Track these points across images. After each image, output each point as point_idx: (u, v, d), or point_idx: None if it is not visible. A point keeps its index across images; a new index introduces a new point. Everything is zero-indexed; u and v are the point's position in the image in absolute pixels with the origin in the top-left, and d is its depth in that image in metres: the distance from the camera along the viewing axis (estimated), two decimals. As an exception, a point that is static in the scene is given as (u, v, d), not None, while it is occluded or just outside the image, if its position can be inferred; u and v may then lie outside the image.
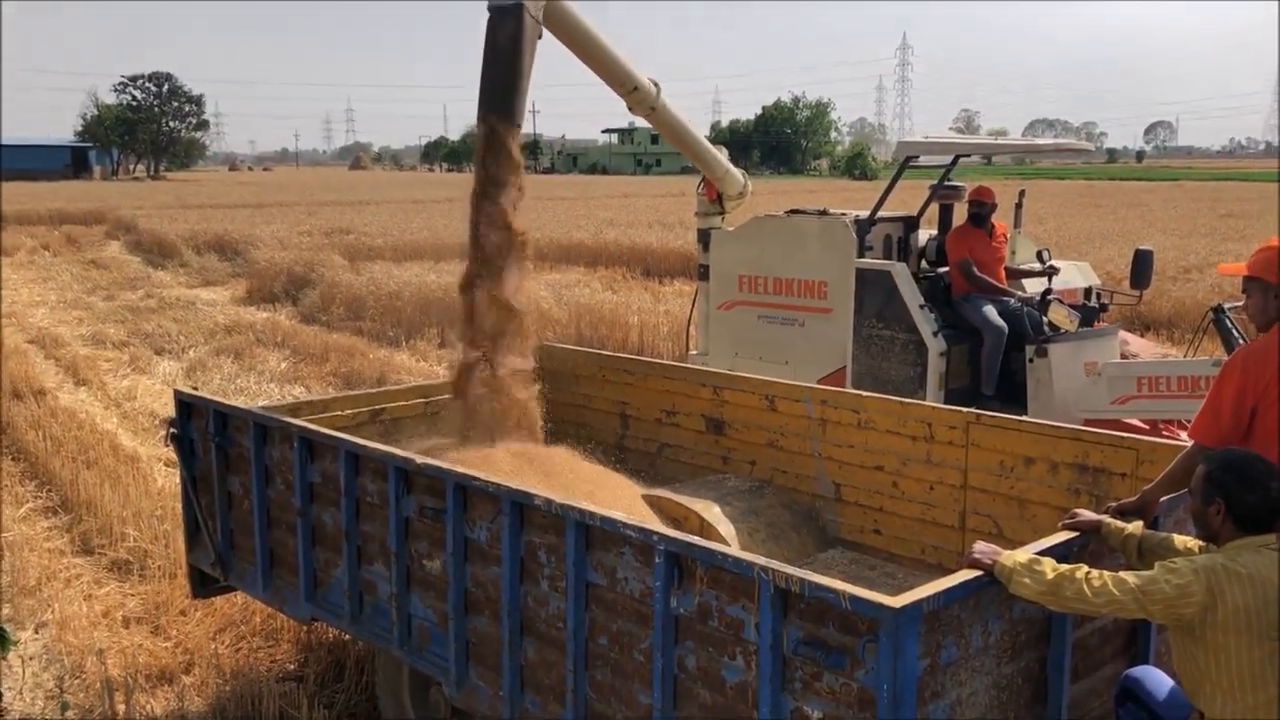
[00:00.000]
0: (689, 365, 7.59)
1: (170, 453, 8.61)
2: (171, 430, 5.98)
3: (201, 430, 5.83)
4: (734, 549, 4.20)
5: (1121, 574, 3.11)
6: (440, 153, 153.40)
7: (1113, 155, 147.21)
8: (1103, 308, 8.26)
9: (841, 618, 3.02)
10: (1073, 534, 3.54)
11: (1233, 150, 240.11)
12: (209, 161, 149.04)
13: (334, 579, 5.04)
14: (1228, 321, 6.94)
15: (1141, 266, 8.03)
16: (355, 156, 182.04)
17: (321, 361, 13.84)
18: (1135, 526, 3.60)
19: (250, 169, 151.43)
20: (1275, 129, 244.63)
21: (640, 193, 56.14)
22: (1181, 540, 3.50)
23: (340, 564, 4.96)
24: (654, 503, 5.63)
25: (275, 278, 20.78)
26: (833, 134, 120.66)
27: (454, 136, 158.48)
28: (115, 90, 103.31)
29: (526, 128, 6.55)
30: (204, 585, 6.12)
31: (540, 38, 6.47)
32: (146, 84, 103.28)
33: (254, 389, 12.49)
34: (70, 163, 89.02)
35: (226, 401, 5.89)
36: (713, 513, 5.65)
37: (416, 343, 15.26)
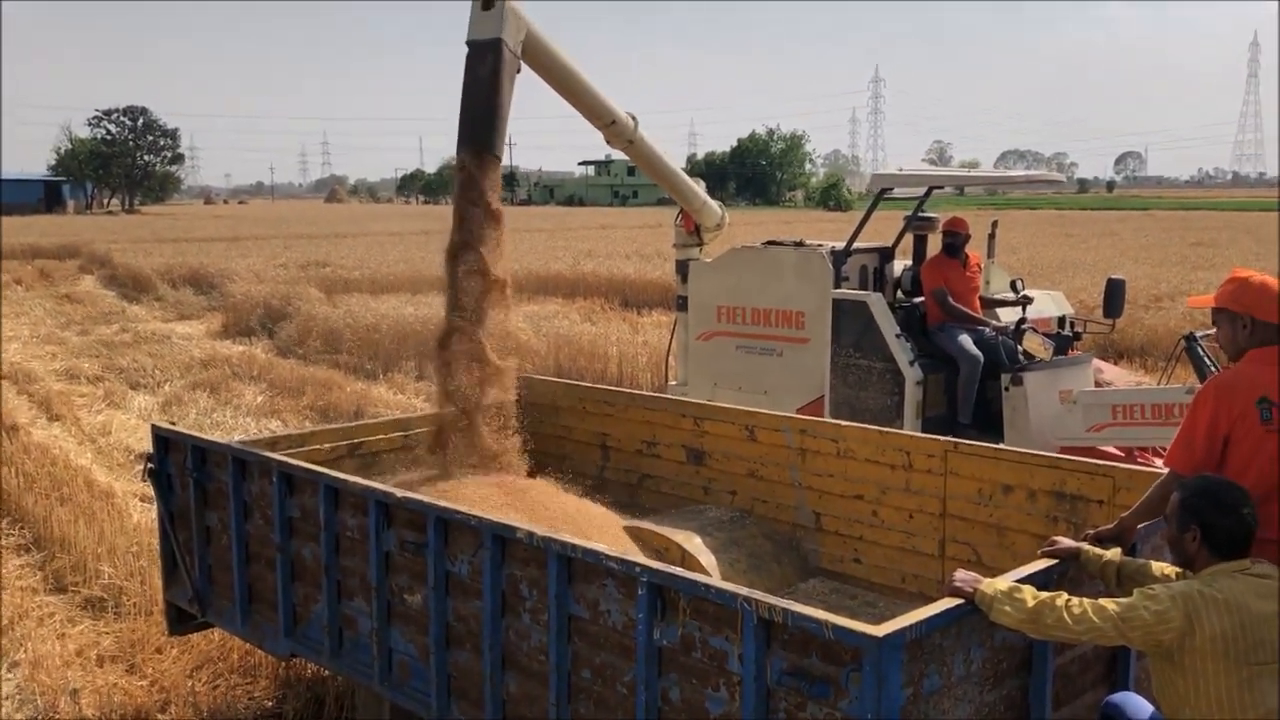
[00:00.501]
0: (669, 396, 7.61)
1: (146, 488, 8.55)
2: (149, 465, 5.94)
3: (179, 465, 5.79)
4: (716, 580, 4.20)
5: (1101, 601, 3.14)
6: (416, 185, 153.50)
7: (1084, 185, 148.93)
8: (1076, 336, 8.34)
9: (825, 647, 3.03)
10: (1052, 562, 3.56)
11: (1201, 180, 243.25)
12: (184, 195, 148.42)
13: (313, 614, 5.01)
14: (1200, 349, 7.02)
15: (1114, 295, 8.12)
16: (331, 189, 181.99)
17: (298, 395, 13.77)
18: (1113, 554, 3.63)
19: (225, 202, 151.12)
20: (1241, 159, 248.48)
21: (617, 224, 56.34)
22: (1159, 567, 3.54)
23: (320, 599, 4.93)
24: (635, 534, 5.63)
25: (251, 311, 20.70)
26: (807, 166, 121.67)
27: (430, 169, 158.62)
28: (89, 124, 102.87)
29: (503, 160, 6.58)
30: (181, 622, 6.06)
31: (519, 72, 6.51)
32: (121, 118, 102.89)
33: (230, 423, 12.41)
34: (43, 197, 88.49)
35: (204, 436, 5.86)
36: (694, 543, 5.65)
37: (394, 375, 15.22)
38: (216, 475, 5.54)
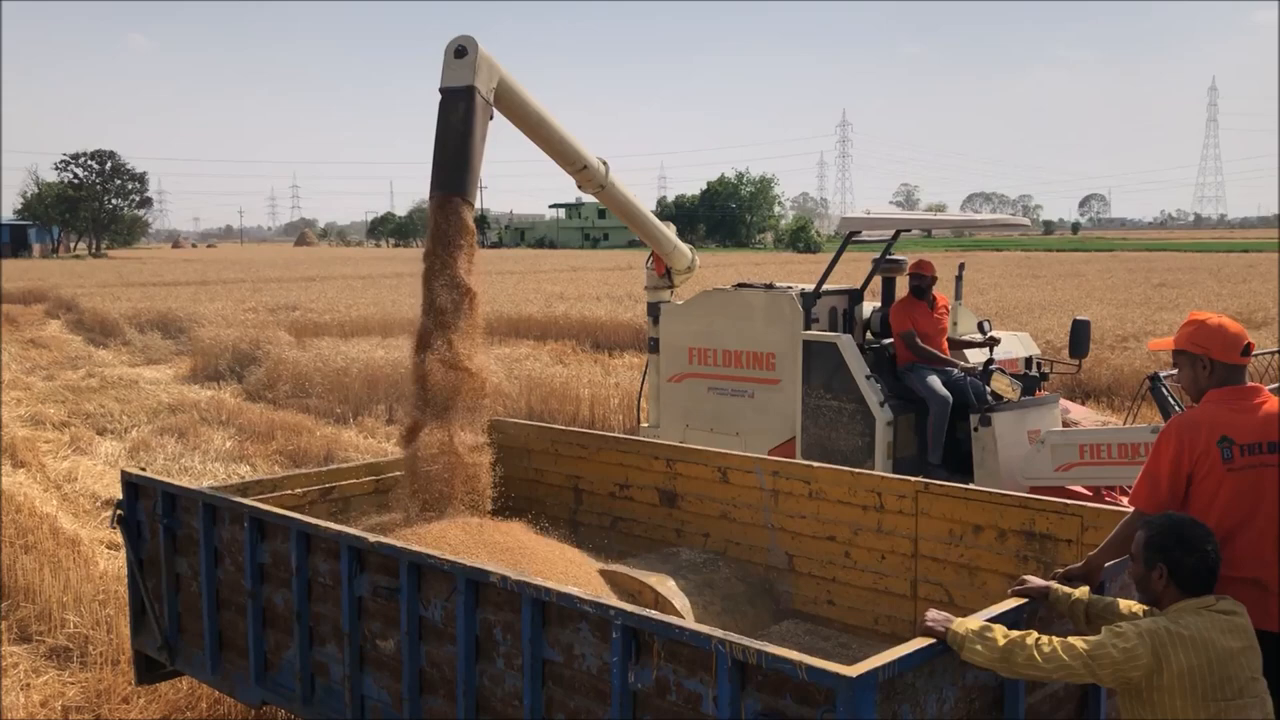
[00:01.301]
0: (641, 438, 7.63)
1: (113, 535, 8.46)
2: (118, 512, 5.89)
3: (149, 512, 5.75)
4: (690, 622, 4.21)
5: (1070, 640, 3.18)
6: (387, 228, 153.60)
7: (1049, 227, 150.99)
8: (1043, 376, 8.44)
9: (799, 688, 3.04)
10: (1022, 601, 3.60)
11: (1164, 222, 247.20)
12: (152, 239, 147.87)
13: (285, 661, 4.97)
14: (1164, 390, 7.12)
15: (1079, 336, 8.24)
16: (301, 233, 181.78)
17: (268, 440, 13.68)
18: (1081, 592, 3.67)
19: (194, 246, 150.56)
20: (1202, 201, 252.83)
21: (588, 266, 56.53)
22: (1127, 605, 3.58)
23: (291, 645, 4.89)
24: (609, 577, 5.63)
25: (220, 355, 20.57)
26: (776, 208, 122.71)
27: (400, 212, 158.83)
28: (56, 168, 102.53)
29: (475, 203, 6.64)
30: (149, 671, 5.99)
31: (491, 119, 6.59)
32: (89, 161, 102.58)
33: (199, 468, 12.30)
34: (9, 241, 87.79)
35: (175, 482, 5.83)
36: (668, 586, 5.65)
37: (364, 419, 15.15)
38: (187, 521, 5.50)
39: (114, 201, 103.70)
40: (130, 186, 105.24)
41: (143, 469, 6.51)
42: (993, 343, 8.44)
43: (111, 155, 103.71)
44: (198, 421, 14.96)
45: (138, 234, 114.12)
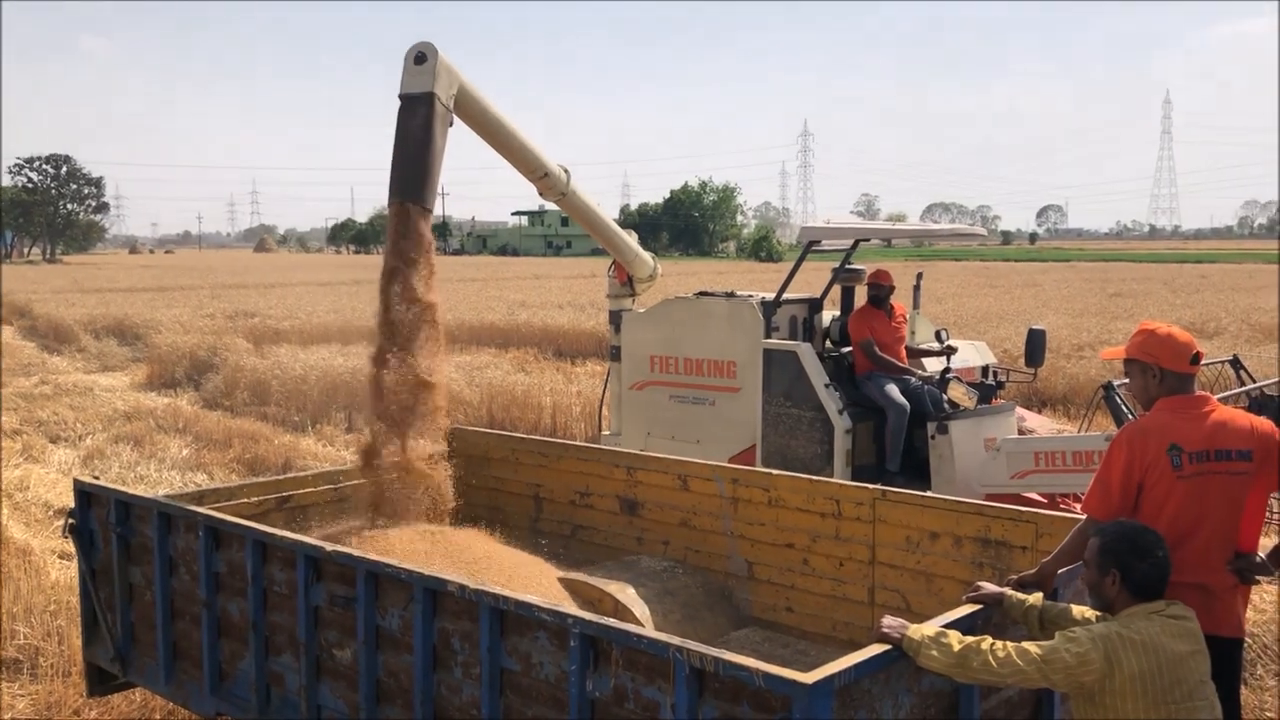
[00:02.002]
0: (602, 446, 7.63)
1: (65, 545, 8.33)
2: (71, 521, 5.80)
3: (102, 520, 5.67)
4: (648, 630, 4.21)
5: (1024, 645, 3.22)
6: (347, 235, 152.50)
7: (1007, 237, 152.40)
8: (999, 385, 8.54)
9: (756, 695, 3.05)
10: (977, 607, 3.64)
11: (1120, 232, 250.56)
12: (109, 244, 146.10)
13: (240, 671, 4.92)
14: (1118, 398, 7.23)
15: (1035, 345, 8.34)
16: (260, 239, 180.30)
17: (225, 448, 13.54)
18: (1035, 598, 3.72)
19: (151, 252, 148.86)
20: (1157, 212, 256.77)
21: (551, 274, 56.45)
22: (1079, 610, 3.62)
23: (247, 655, 4.84)
24: (569, 585, 5.62)
25: (177, 362, 20.35)
26: (739, 217, 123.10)
27: (361, 218, 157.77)
28: (10, 172, 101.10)
29: (436, 210, 6.62)
30: (101, 682, 5.90)
31: (451, 125, 6.57)
32: (44, 166, 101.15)
33: (155, 477, 12.15)
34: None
35: (129, 490, 5.75)
36: (627, 594, 5.65)
37: (323, 427, 15.03)
38: (141, 530, 5.43)
39: (70, 206, 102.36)
40: (86, 191, 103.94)
41: (96, 477, 6.44)
42: (950, 351, 8.52)
43: (67, 159, 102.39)
44: (154, 429, 14.78)
45: (94, 239, 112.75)
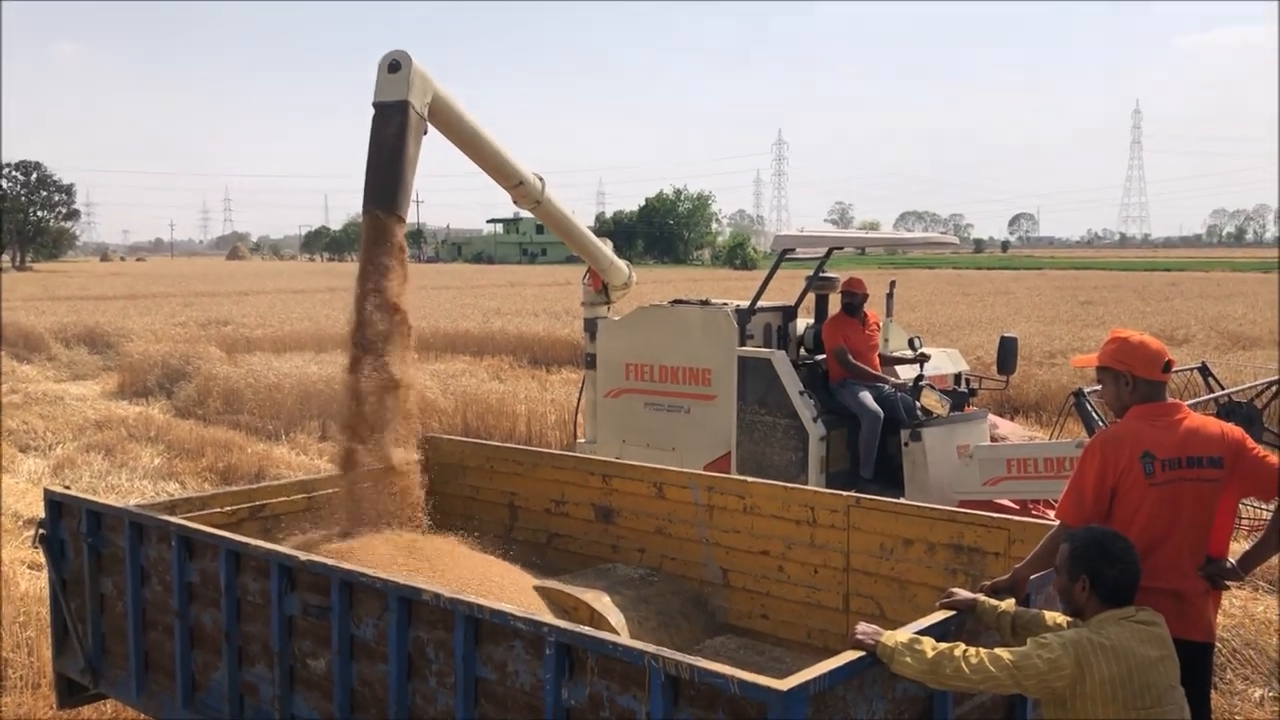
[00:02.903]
0: (577, 454, 7.63)
1: (35, 555, 8.25)
2: (41, 531, 5.75)
3: (73, 530, 5.62)
4: (624, 638, 4.21)
5: (996, 651, 3.24)
6: (321, 242, 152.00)
7: (979, 245, 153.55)
8: (972, 392, 8.60)
9: (731, 703, 3.06)
10: (950, 613, 3.66)
11: (1090, 241, 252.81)
12: (79, 252, 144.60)
13: (213, 682, 4.89)
14: (1088, 405, 7.29)
15: (1007, 353, 8.41)
16: (233, 246, 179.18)
17: (197, 457, 13.44)
18: (1008, 604, 3.74)
19: (123, 259, 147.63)
20: (1127, 221, 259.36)
21: (526, 281, 56.40)
22: (1051, 617, 3.66)
23: (220, 666, 4.82)
24: (544, 593, 5.62)
25: (149, 371, 20.17)
26: (713, 225, 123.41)
27: (335, 226, 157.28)
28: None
29: (410, 217, 6.62)
30: (72, 694, 5.85)
31: (425, 133, 6.56)
32: (13, 173, 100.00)
33: (126, 486, 12.05)
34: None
35: (100, 500, 5.71)
36: (603, 602, 5.65)
37: (297, 436, 14.95)
38: (112, 540, 5.39)
39: (39, 213, 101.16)
40: (57, 198, 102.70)
41: (67, 487, 6.36)
42: (923, 359, 8.58)
43: (37, 166, 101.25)
44: (125, 438, 14.66)
45: (64, 247, 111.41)
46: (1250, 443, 4.00)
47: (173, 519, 5.13)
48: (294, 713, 4.51)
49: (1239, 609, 7.07)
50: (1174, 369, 4.16)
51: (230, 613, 4.73)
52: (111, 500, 7.61)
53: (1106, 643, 3.24)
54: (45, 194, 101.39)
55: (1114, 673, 3.20)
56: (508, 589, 5.37)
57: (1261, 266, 79.47)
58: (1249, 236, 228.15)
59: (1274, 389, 7.54)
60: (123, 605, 5.33)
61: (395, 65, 6.34)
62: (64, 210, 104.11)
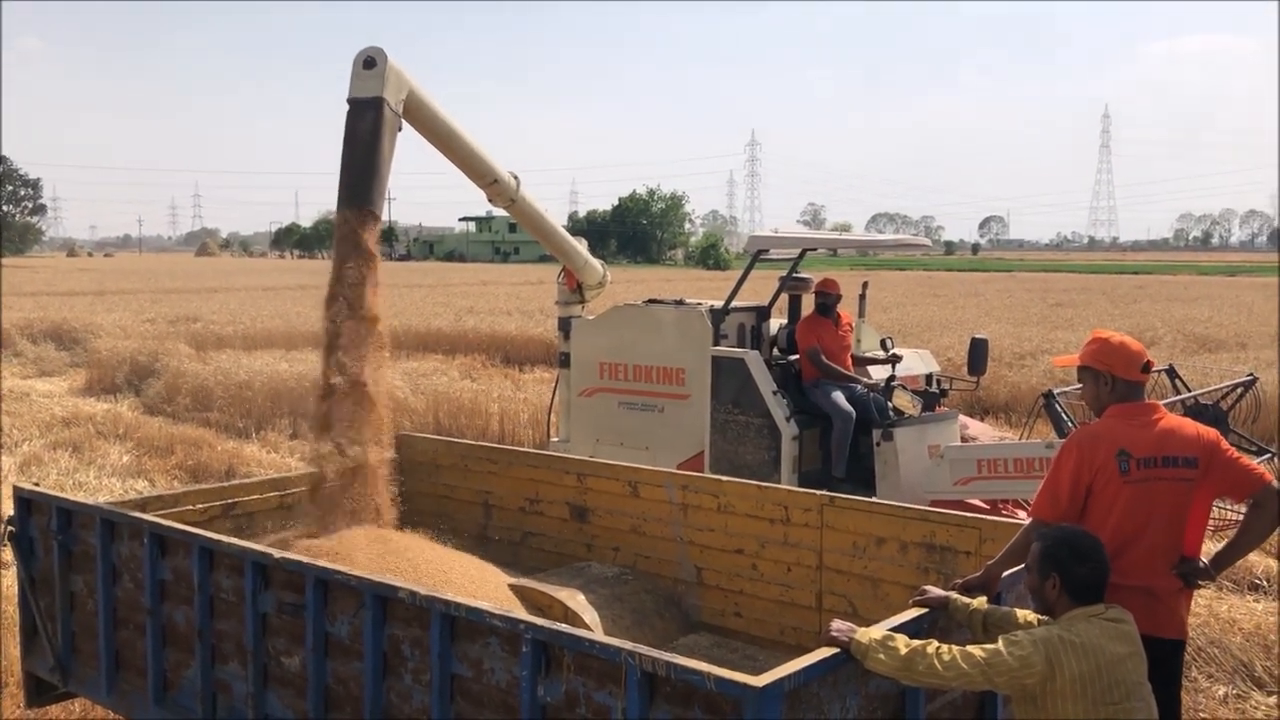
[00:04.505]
0: (552, 453, 7.63)
1: (4, 553, 8.16)
2: (9, 528, 5.70)
3: (43, 528, 5.57)
4: (599, 635, 4.23)
5: (969, 648, 3.28)
6: (291, 239, 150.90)
7: (950, 248, 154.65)
8: (943, 393, 8.67)
9: (707, 699, 3.09)
10: (922, 611, 3.70)
11: (1060, 244, 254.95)
12: (46, 247, 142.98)
13: (185, 680, 4.86)
14: (1058, 406, 7.37)
15: (977, 354, 8.49)
16: (202, 243, 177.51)
17: (167, 454, 13.34)
18: (980, 602, 3.79)
19: (90, 255, 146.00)
20: (1096, 224, 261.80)
21: (499, 280, 56.23)
22: (1023, 614, 3.70)
23: (193, 664, 4.79)
24: (518, 592, 5.62)
25: (117, 368, 19.98)
26: (687, 225, 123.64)
27: (306, 222, 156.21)
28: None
29: (383, 215, 6.60)
30: (40, 694, 5.79)
31: (400, 130, 6.55)
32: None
33: (94, 484, 11.93)
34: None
35: (71, 497, 5.66)
36: (577, 601, 5.66)
37: (267, 433, 14.86)
38: (83, 538, 5.35)
39: (5, 208, 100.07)
40: (23, 193, 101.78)
41: (36, 484, 6.31)
42: (895, 359, 8.64)
43: (2, 160, 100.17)
44: (93, 435, 14.52)
45: (30, 242, 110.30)
46: (1224, 444, 4.06)
47: (145, 516, 5.09)
48: (267, 711, 4.49)
49: (1204, 608, 7.17)
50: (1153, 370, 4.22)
51: (203, 611, 4.70)
52: (80, 498, 7.54)
53: (1076, 640, 3.28)
54: (11, 188, 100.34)
55: (1084, 669, 3.25)
56: (482, 587, 5.37)
57: (1227, 270, 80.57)
58: (1215, 240, 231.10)
59: (1239, 391, 7.64)
60: (93, 603, 5.29)
61: (370, 61, 6.32)
62: (30, 205, 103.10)
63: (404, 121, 6.59)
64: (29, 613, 5.68)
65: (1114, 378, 4.12)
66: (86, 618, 5.39)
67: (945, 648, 3.26)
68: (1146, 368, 4.14)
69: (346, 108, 6.37)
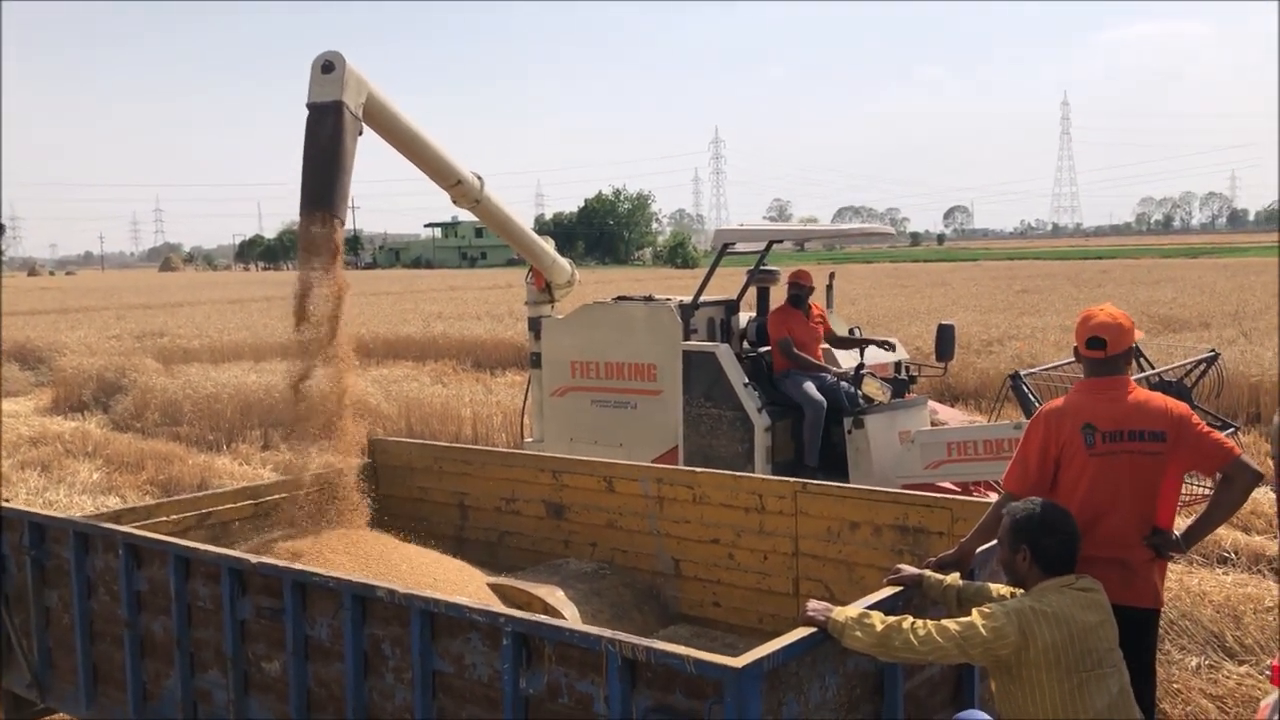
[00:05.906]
0: (527, 452, 7.64)
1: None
2: (-19, 547, 5.65)
3: (15, 544, 5.53)
4: (579, 623, 4.25)
5: (943, 621, 3.33)
6: (255, 251, 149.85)
7: (916, 238, 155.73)
8: (912, 380, 8.75)
9: (688, 682, 3.12)
10: (897, 589, 3.75)
11: (1024, 232, 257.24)
12: (5, 267, 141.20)
13: (165, 690, 4.84)
14: (1024, 387, 7.45)
15: (944, 340, 8.57)
16: (165, 258, 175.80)
17: (138, 470, 13.23)
18: (953, 578, 3.85)
19: (52, 273, 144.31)
20: (1059, 211, 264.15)
21: (467, 285, 56.05)
22: (996, 588, 3.76)
23: (172, 674, 4.78)
24: (497, 590, 5.64)
25: (84, 385, 19.77)
26: (654, 225, 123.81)
27: (269, 234, 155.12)
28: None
29: (346, 224, 6.59)
30: (18, 710, 5.76)
31: (361, 134, 6.54)
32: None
33: (65, 502, 11.80)
34: None
35: (43, 512, 5.62)
36: (556, 597, 5.69)
37: (238, 445, 14.76)
38: (57, 552, 5.32)
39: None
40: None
41: (7, 501, 6.26)
42: (888, 346, 8.73)
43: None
44: (62, 454, 14.38)
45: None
46: (1194, 419, 4.09)
47: (119, 527, 5.07)
48: (249, 716, 4.48)
49: (1175, 582, 7.27)
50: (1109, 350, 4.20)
51: (181, 620, 4.69)
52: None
53: (1048, 610, 3.34)
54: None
55: (1056, 638, 3.31)
56: (460, 586, 5.39)
57: (1189, 252, 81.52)
58: (1176, 223, 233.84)
59: (1202, 367, 7.75)
60: (69, 618, 5.26)
61: (329, 66, 6.31)
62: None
63: (364, 125, 6.59)
64: (3, 630, 5.64)
65: (1076, 352, 4.23)
66: (62, 632, 5.36)
67: (920, 622, 3.31)
68: (1091, 343, 4.16)
69: (306, 113, 6.36)
